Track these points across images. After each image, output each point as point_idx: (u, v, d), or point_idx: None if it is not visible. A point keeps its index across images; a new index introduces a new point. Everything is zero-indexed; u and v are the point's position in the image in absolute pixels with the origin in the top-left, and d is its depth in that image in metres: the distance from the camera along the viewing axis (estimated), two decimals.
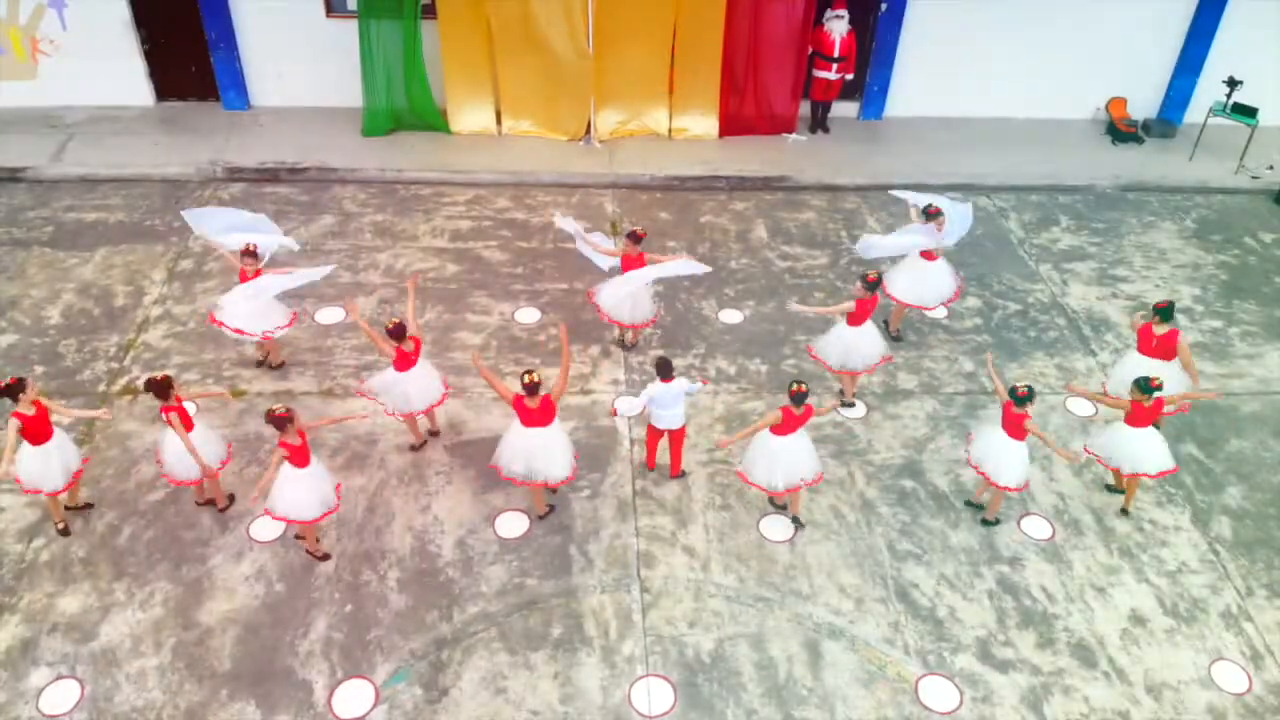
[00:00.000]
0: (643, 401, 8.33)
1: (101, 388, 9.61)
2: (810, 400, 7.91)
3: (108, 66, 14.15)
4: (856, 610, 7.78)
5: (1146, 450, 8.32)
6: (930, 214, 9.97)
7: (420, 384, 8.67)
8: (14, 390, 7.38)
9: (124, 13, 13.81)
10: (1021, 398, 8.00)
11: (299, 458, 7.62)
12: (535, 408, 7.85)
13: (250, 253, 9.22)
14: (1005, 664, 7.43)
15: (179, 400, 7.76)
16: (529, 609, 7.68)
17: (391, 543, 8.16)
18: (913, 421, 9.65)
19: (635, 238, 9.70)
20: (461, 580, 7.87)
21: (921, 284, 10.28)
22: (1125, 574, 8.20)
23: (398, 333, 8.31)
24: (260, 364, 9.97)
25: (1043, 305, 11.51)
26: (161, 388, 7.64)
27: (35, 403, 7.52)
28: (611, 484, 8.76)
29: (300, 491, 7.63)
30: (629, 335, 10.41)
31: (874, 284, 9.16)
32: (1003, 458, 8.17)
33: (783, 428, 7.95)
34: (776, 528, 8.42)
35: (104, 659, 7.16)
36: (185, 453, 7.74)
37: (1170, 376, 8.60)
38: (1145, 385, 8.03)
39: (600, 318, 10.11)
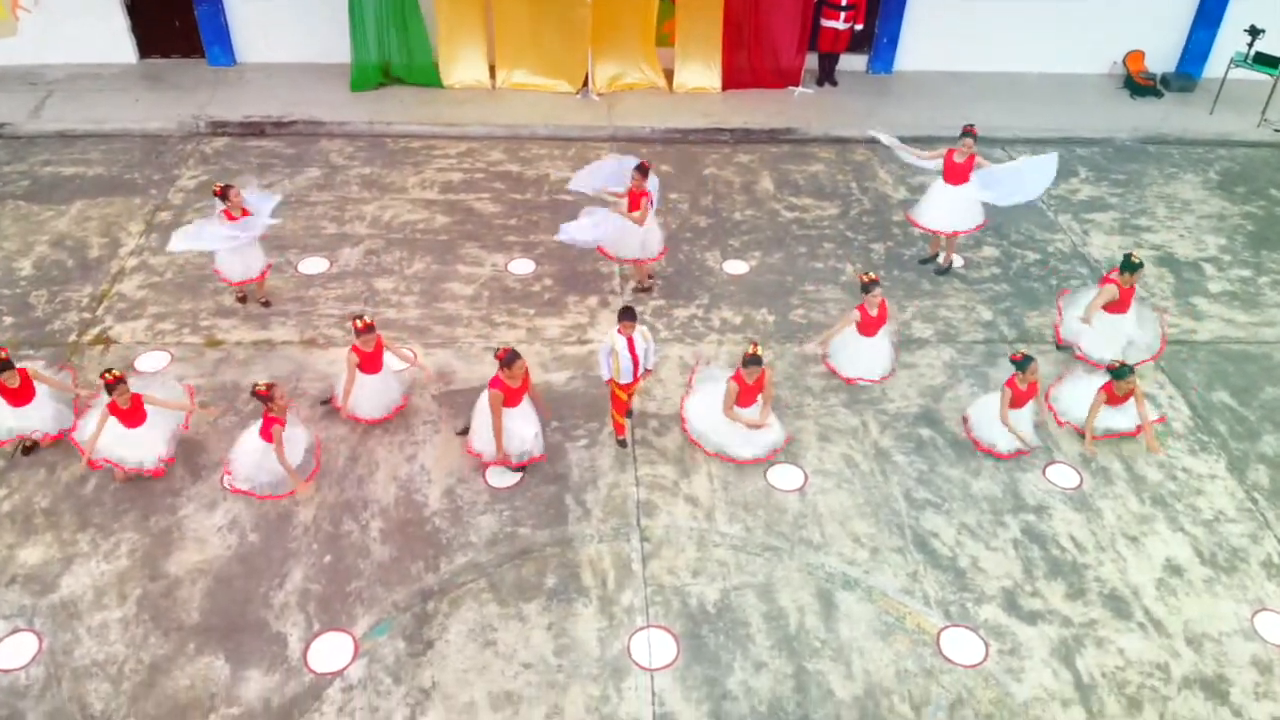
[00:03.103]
0: (607, 353, 7.79)
1: (72, 338, 9.11)
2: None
3: (89, 23, 13.68)
4: (872, 560, 7.26)
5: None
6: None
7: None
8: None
9: None
10: (1018, 362, 7.67)
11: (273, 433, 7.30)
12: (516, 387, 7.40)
13: (222, 193, 8.79)
14: (1033, 615, 6.90)
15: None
16: (521, 559, 7.16)
17: (375, 493, 7.65)
18: (929, 370, 9.12)
19: (643, 170, 9.17)
20: (449, 530, 7.36)
21: (940, 210, 9.80)
22: (1159, 523, 7.67)
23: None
24: (242, 300, 9.51)
25: (1063, 255, 10.96)
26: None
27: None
28: (609, 433, 8.24)
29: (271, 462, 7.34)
30: (642, 274, 9.90)
31: (870, 285, 8.53)
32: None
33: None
34: (785, 477, 7.90)
35: (64, 611, 6.66)
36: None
37: (1128, 327, 8.81)
38: (1121, 373, 7.73)
39: (609, 259, 9.69)
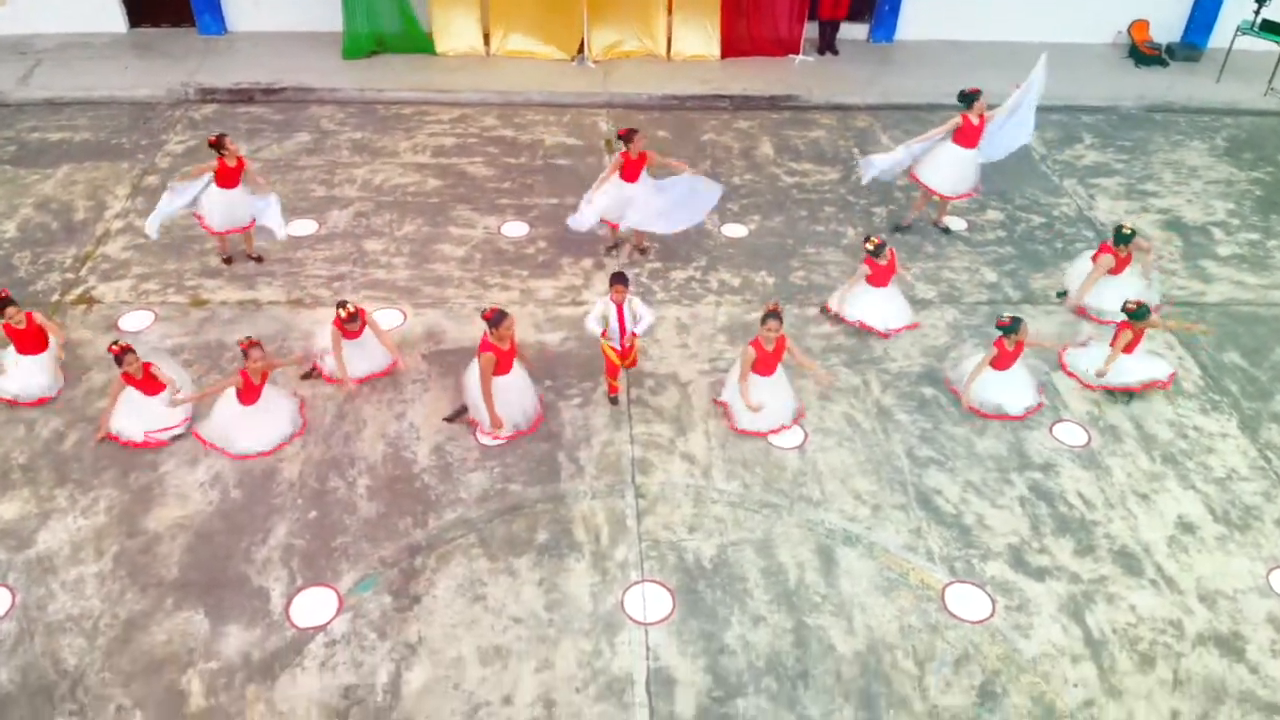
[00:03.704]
0: (597, 319, 7.61)
1: (55, 298, 8.88)
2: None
3: None
4: (873, 517, 7.03)
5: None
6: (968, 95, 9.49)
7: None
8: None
9: None
10: (1004, 328, 7.62)
11: (249, 395, 7.19)
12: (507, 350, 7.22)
13: (216, 143, 8.62)
14: (1041, 571, 6.68)
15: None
16: (512, 515, 6.94)
17: (362, 450, 7.42)
18: (932, 330, 8.89)
19: (626, 137, 8.96)
20: (438, 487, 7.14)
21: (946, 171, 9.59)
22: (1170, 480, 7.44)
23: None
24: (228, 261, 9.31)
25: (1068, 218, 10.73)
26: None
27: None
28: (604, 392, 8.01)
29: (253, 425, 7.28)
30: (639, 238, 9.70)
31: (878, 249, 8.40)
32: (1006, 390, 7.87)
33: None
34: (784, 435, 7.67)
35: (39, 567, 6.43)
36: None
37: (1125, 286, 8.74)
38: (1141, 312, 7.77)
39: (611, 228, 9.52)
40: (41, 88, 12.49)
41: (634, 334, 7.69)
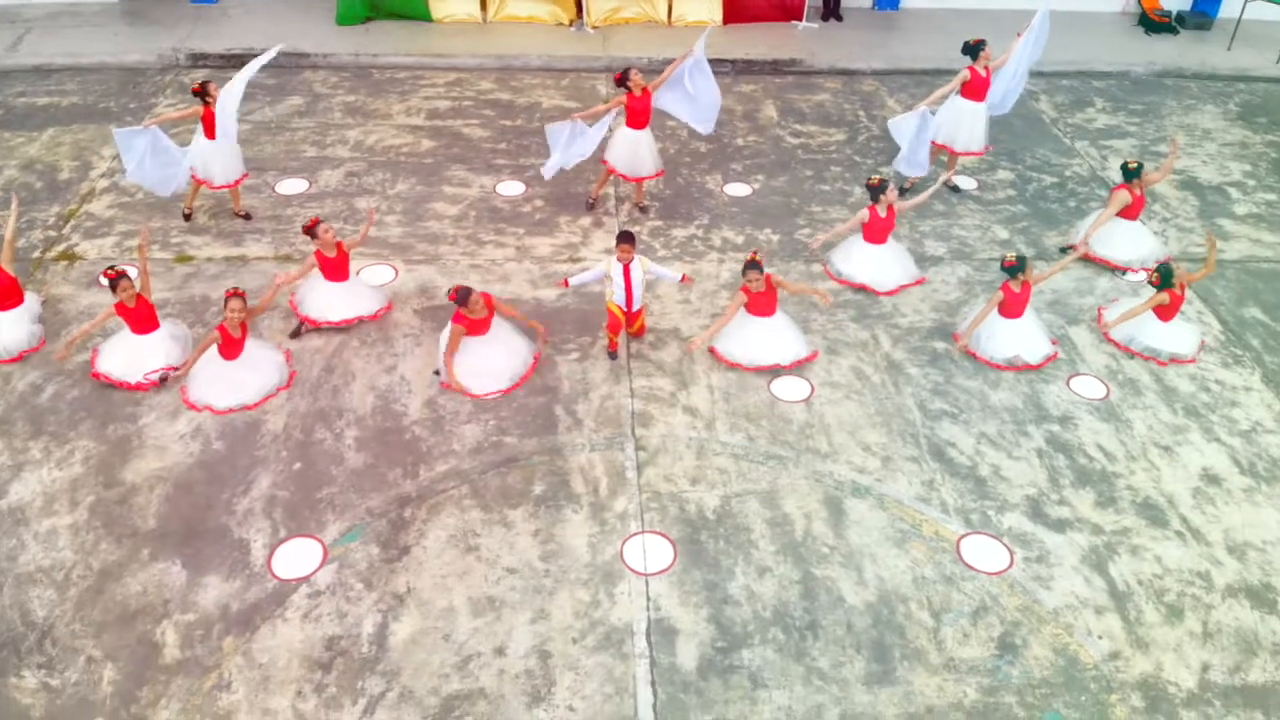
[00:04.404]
0: (597, 277, 7.43)
1: (36, 254, 8.59)
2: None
3: None
4: (884, 469, 6.73)
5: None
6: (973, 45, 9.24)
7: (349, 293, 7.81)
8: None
9: None
10: (1011, 268, 7.40)
11: (231, 348, 6.94)
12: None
13: (201, 89, 8.38)
14: (1061, 523, 6.37)
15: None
16: (507, 466, 6.64)
17: (350, 402, 7.13)
18: (943, 286, 8.59)
19: (622, 80, 8.70)
20: (430, 439, 6.84)
21: (956, 126, 9.30)
22: (1193, 433, 7.13)
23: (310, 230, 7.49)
24: (187, 217, 9.07)
25: (1081, 178, 10.43)
26: None
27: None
28: (603, 346, 7.71)
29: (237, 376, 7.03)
30: (639, 195, 9.43)
31: (878, 188, 8.13)
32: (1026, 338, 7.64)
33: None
34: (790, 388, 7.37)
35: (10, 518, 6.13)
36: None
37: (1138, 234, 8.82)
38: (1167, 272, 7.57)
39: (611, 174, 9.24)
40: (30, 54, 12.20)
41: (642, 306, 7.54)
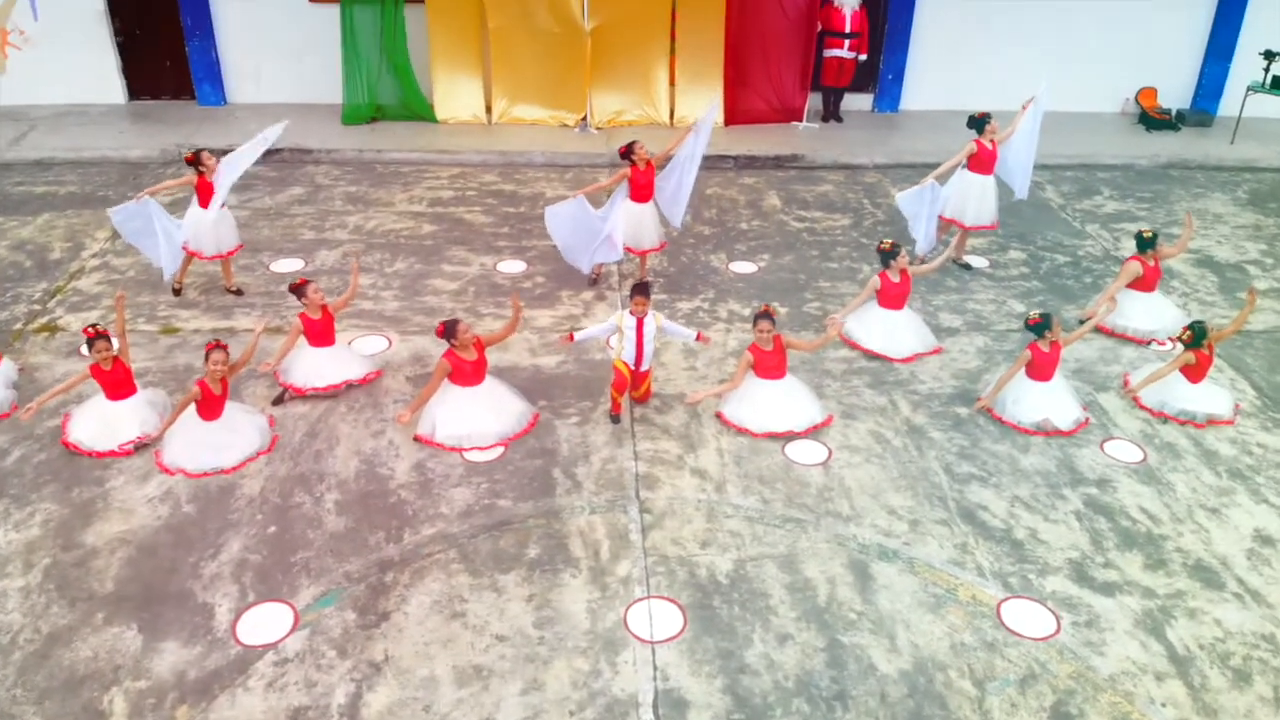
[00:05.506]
0: (607, 331, 7.10)
1: (17, 326, 8.28)
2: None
3: (79, 61, 13.40)
4: (912, 532, 6.18)
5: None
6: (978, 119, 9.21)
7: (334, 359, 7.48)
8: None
9: (98, 1, 13.12)
10: (1036, 326, 7.10)
11: (211, 408, 6.57)
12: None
13: (194, 159, 8.28)
14: (1109, 586, 5.78)
15: None
16: (500, 530, 6.11)
17: (333, 466, 6.65)
18: (961, 355, 8.21)
19: (626, 153, 8.60)
20: (416, 502, 6.33)
21: (965, 199, 9.12)
22: (1240, 495, 6.61)
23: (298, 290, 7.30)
24: (177, 292, 8.79)
25: (1095, 257, 10.20)
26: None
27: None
28: (604, 411, 7.28)
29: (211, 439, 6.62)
30: (642, 270, 9.19)
31: (889, 252, 7.93)
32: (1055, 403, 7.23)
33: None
34: (805, 451, 6.90)
35: None
36: None
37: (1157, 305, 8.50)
38: (1201, 330, 7.26)
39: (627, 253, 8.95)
40: (32, 148, 12.26)
41: (649, 369, 7.20)
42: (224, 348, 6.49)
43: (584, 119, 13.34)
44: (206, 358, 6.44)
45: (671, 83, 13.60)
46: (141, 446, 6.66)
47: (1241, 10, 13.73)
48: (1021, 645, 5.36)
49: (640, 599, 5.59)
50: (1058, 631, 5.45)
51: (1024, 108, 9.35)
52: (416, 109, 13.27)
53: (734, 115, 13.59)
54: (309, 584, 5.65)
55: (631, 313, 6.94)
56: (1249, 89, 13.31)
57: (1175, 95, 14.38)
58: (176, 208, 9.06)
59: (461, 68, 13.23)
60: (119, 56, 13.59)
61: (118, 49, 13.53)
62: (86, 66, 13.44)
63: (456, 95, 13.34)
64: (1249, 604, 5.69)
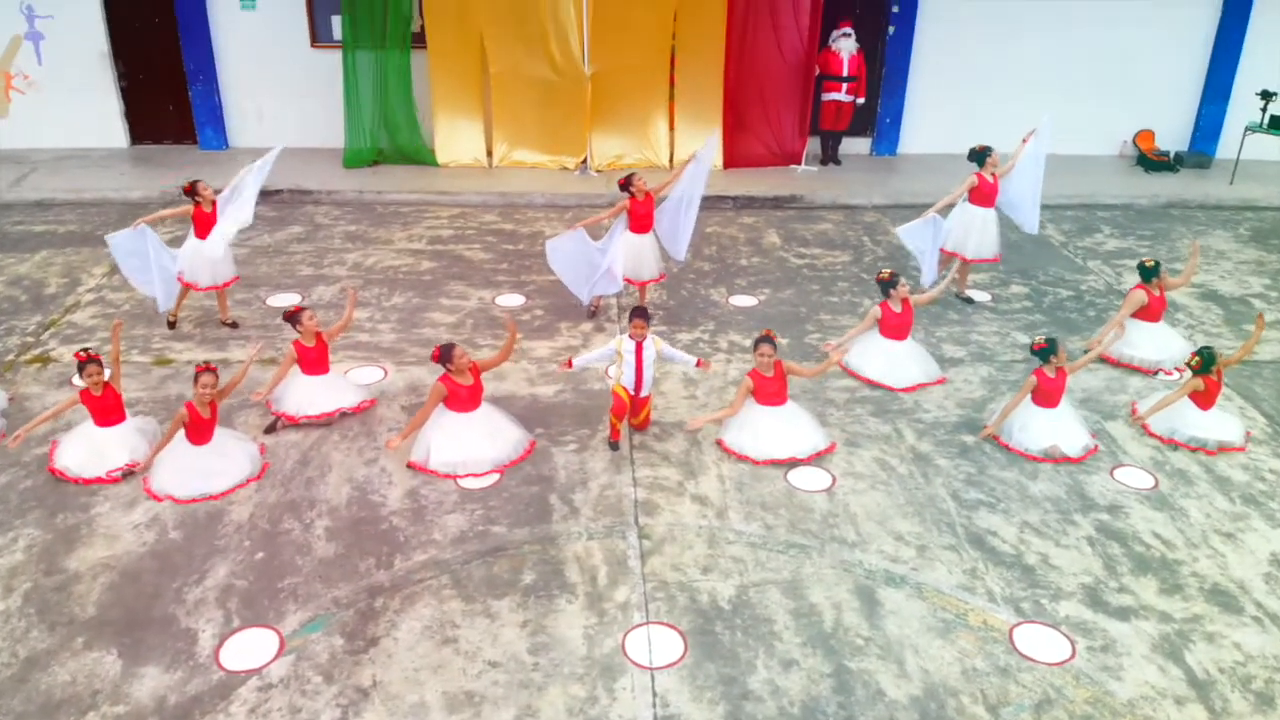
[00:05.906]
0: (606, 356, 7.03)
1: (9, 358, 8.18)
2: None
3: (82, 103, 13.52)
4: (920, 558, 6.00)
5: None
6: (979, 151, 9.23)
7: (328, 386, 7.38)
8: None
9: (102, 44, 13.28)
10: (1041, 351, 7.00)
11: (199, 432, 6.44)
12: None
13: (190, 189, 8.26)
14: (1125, 611, 5.59)
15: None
16: (493, 556, 5.93)
17: (324, 493, 6.49)
18: (966, 385, 8.09)
19: (625, 185, 8.60)
20: (408, 529, 6.16)
21: (966, 232, 9.06)
22: (1255, 520, 6.43)
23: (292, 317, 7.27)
24: (171, 325, 8.72)
25: (1098, 291, 10.13)
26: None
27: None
28: (602, 439, 7.14)
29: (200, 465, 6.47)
30: (642, 301, 9.11)
31: (889, 282, 7.89)
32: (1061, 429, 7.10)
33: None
34: (808, 478, 6.74)
35: None
36: None
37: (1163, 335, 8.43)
38: (1209, 356, 7.11)
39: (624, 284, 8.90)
40: (32, 189, 12.30)
41: (649, 395, 7.08)
42: (213, 370, 6.38)
43: (584, 162, 13.41)
44: (195, 380, 6.33)
45: (671, 127, 13.70)
46: (130, 473, 6.51)
47: (1238, 51, 13.85)
48: (1036, 670, 5.15)
49: (639, 625, 5.40)
50: (1073, 656, 5.25)
51: (1024, 140, 9.34)
52: (417, 156, 13.32)
53: (733, 159, 13.66)
54: (296, 609, 5.46)
55: (630, 336, 6.85)
56: (1247, 129, 13.38)
57: (1173, 137, 14.47)
58: (177, 245, 9.01)
59: (463, 112, 13.33)
60: (122, 100, 13.71)
61: (121, 93, 13.66)
62: (89, 110, 13.56)
63: (457, 140, 13.42)
64: (1269, 628, 5.48)
